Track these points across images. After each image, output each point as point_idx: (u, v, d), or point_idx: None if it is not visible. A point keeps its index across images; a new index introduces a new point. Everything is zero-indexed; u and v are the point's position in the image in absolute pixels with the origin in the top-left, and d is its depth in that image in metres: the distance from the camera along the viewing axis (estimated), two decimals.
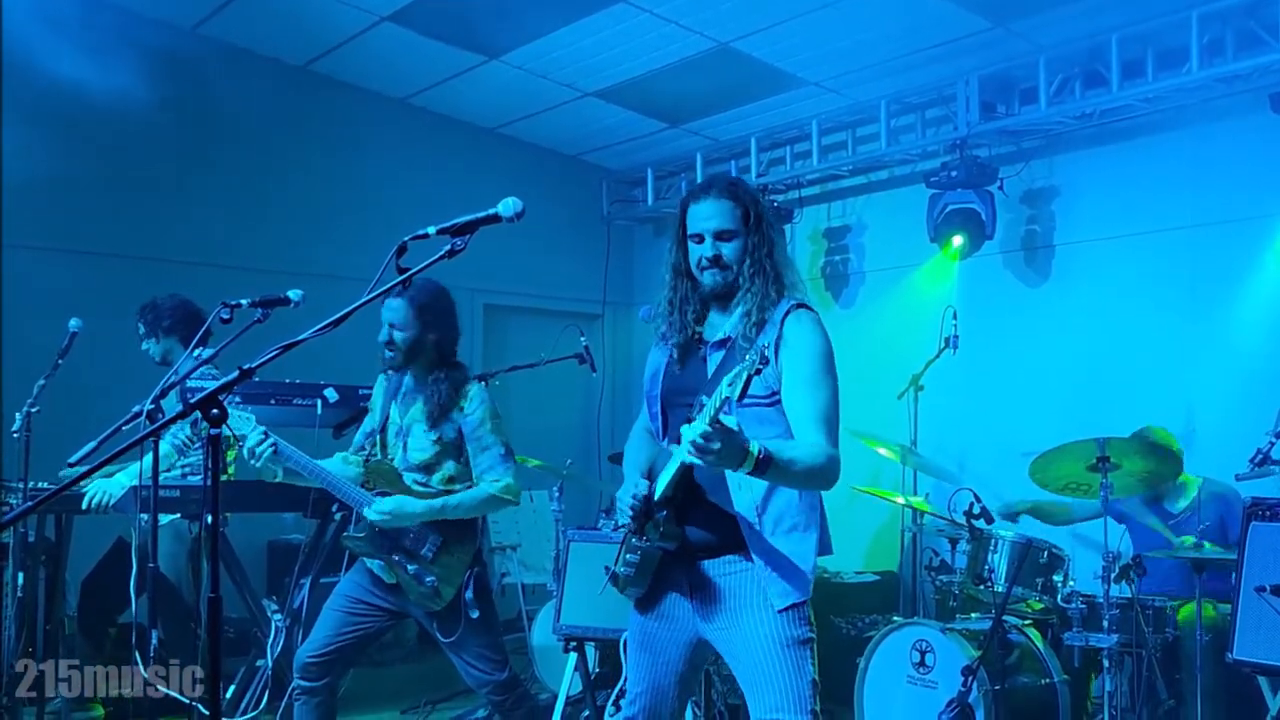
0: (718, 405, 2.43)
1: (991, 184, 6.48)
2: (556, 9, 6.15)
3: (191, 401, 2.30)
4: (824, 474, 2.71)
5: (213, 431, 2.30)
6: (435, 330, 3.93)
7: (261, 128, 6.91)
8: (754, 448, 2.51)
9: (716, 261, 2.86)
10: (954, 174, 6.42)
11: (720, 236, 2.87)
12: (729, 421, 2.45)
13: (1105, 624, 4.35)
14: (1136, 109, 6.00)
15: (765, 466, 2.54)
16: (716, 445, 2.41)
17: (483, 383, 4.08)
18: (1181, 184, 5.99)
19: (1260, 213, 5.56)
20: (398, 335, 3.88)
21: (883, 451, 5.60)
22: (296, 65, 7.15)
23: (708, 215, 2.88)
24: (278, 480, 3.80)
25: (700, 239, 2.89)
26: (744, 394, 2.42)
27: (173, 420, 2.42)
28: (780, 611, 2.76)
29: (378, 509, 3.79)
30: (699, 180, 7.86)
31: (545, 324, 7.60)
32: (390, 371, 4.05)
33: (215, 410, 2.28)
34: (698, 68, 6.74)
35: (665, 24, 6.19)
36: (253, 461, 3.66)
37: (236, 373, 2.31)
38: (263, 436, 3.65)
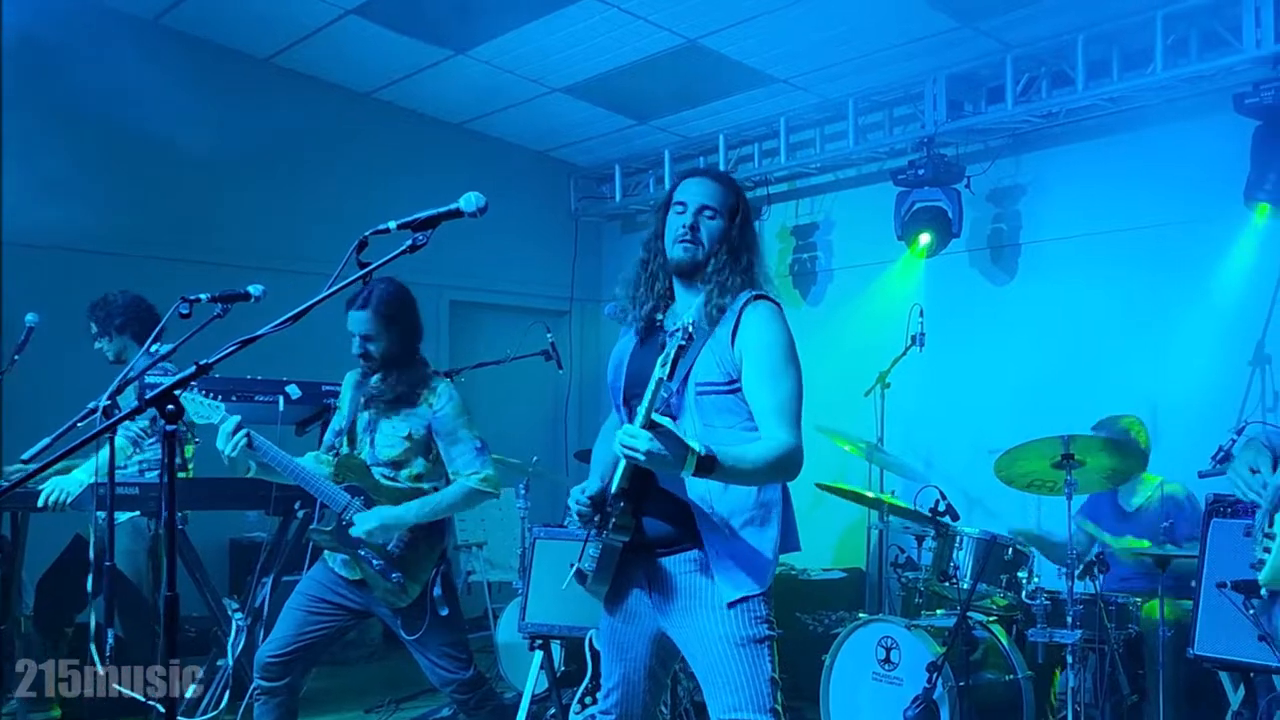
0: (652, 394, 2.43)
1: (958, 182, 6.51)
2: (523, 4, 6.11)
3: (147, 397, 2.26)
4: (783, 467, 2.70)
5: (169, 428, 2.27)
6: (403, 334, 3.94)
7: (224, 121, 6.79)
8: (697, 447, 2.51)
9: (693, 233, 2.83)
10: (921, 172, 6.44)
11: (702, 211, 2.85)
12: (666, 422, 2.46)
13: (1069, 620, 4.37)
14: (1102, 108, 6.05)
15: (709, 467, 2.53)
16: (644, 446, 2.44)
17: (449, 379, 4.06)
18: (1147, 183, 6.02)
19: (1224, 212, 5.59)
20: (371, 347, 3.89)
21: (846, 447, 5.61)
22: (261, 58, 7.08)
23: (698, 190, 2.88)
24: (251, 474, 3.77)
25: (683, 208, 2.86)
26: (673, 372, 2.42)
27: (128, 415, 2.38)
28: (730, 606, 2.73)
29: (362, 525, 3.77)
30: (667, 177, 7.92)
31: (513, 320, 7.58)
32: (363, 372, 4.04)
33: (171, 406, 2.25)
34: (665, 64, 6.72)
35: (633, 20, 6.16)
36: (226, 452, 3.61)
37: (193, 368, 2.28)
38: (237, 426, 3.61)
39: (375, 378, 3.98)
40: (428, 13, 6.29)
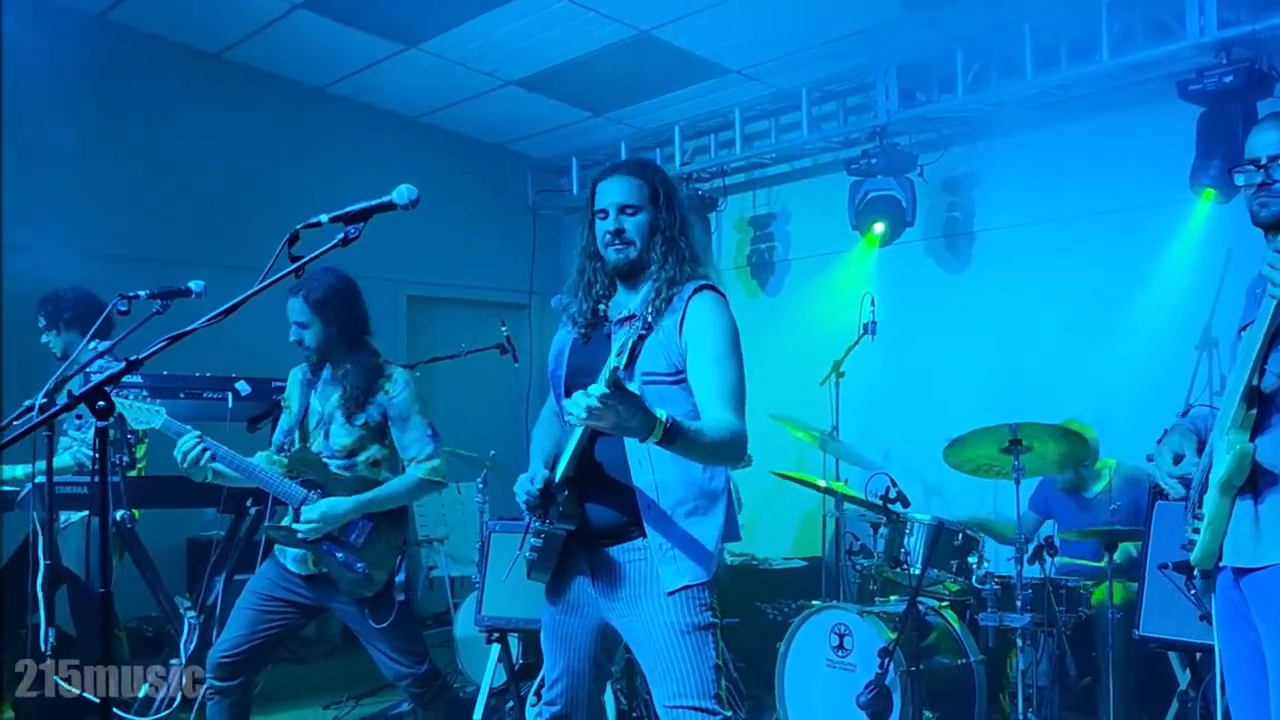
0: (609, 374, 2.40)
1: (911, 171, 6.55)
2: None
3: (76, 394, 2.24)
4: (731, 448, 2.70)
5: (99, 424, 2.25)
6: (339, 322, 3.91)
7: (173, 117, 6.70)
8: (661, 415, 2.49)
9: (619, 235, 2.84)
10: (874, 161, 6.48)
11: (624, 211, 2.85)
12: (631, 386, 2.43)
13: (1019, 604, 4.41)
14: (1052, 96, 6.08)
15: (674, 436, 2.50)
16: (611, 404, 2.35)
17: (407, 369, 4.06)
18: (1097, 170, 6.08)
19: (1171, 198, 5.65)
20: (306, 335, 3.89)
21: (800, 435, 5.62)
22: (210, 53, 7.00)
23: (612, 190, 2.88)
24: (208, 480, 3.76)
25: (605, 214, 2.87)
26: (631, 361, 2.39)
27: (58, 413, 2.35)
28: (673, 594, 2.74)
29: (305, 520, 3.75)
30: None
31: (471, 314, 7.56)
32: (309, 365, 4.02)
33: (101, 403, 2.23)
34: (619, 56, 6.71)
35: (585, 12, 6.15)
36: (184, 467, 3.62)
37: (123, 364, 2.27)
38: (196, 441, 3.62)
39: (325, 371, 3.96)
40: (377, 6, 6.24)
